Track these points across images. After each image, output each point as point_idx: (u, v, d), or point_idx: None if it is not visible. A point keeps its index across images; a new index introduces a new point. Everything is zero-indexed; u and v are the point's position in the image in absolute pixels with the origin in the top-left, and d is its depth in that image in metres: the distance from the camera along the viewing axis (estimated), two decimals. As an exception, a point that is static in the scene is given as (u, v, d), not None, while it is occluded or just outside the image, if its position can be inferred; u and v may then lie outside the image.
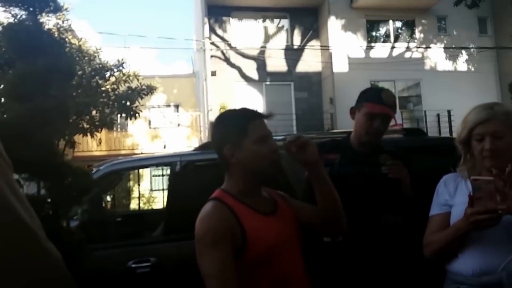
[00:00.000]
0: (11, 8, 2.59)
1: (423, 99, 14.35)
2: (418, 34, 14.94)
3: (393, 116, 2.07)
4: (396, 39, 15.04)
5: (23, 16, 2.56)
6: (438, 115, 13.11)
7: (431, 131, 12.32)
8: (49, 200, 2.18)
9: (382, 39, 15.13)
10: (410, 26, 15.16)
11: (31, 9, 2.45)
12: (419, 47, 14.66)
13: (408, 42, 14.90)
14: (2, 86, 6.44)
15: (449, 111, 12.39)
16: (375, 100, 2.04)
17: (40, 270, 0.62)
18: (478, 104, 1.67)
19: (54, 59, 2.29)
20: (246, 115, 1.42)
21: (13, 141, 2.04)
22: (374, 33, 15.15)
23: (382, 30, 15.28)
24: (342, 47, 13.77)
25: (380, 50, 14.45)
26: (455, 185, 1.67)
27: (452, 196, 1.65)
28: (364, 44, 14.40)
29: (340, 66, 13.77)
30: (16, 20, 2.63)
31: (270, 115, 1.48)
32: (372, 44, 14.60)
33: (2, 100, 6.99)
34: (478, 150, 1.58)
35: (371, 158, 2.04)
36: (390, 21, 15.03)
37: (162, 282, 2.78)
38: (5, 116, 2.23)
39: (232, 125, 1.42)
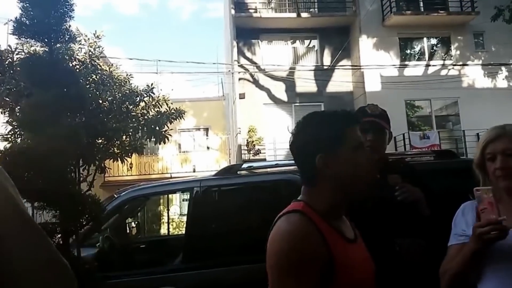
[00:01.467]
0: (27, 39, 2.60)
1: (461, 118, 13.78)
2: (454, 51, 14.50)
3: (382, 124, 2.01)
4: (431, 56, 14.66)
5: (38, 48, 2.56)
6: (478, 134, 12.49)
7: (471, 151, 11.72)
8: (58, 229, 2.08)
9: (416, 57, 14.80)
10: (445, 43, 14.75)
11: (46, 40, 2.44)
12: (455, 65, 14.19)
13: (444, 60, 14.47)
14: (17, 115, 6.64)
15: (488, 130, 11.78)
16: (364, 114, 2.00)
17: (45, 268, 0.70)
18: None
19: (66, 88, 2.24)
20: (342, 119, 1.21)
21: (25, 170, 1.98)
22: (407, 51, 14.86)
23: (416, 48, 14.96)
24: (375, 66, 13.50)
25: (415, 68, 14.09)
26: (473, 213, 1.51)
27: (470, 225, 1.49)
28: (398, 62, 14.10)
29: (372, 85, 13.48)
30: (31, 51, 2.63)
31: (359, 121, 1.27)
32: (406, 62, 14.30)
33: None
34: (492, 170, 1.52)
35: (380, 181, 1.86)
36: (424, 39, 14.69)
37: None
38: (18, 144, 2.19)
39: (327, 130, 1.18)
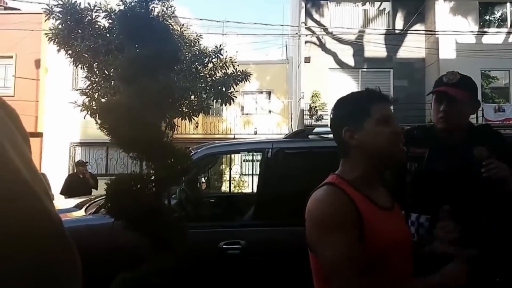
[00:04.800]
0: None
1: (543, 90, 12.65)
2: (540, 17, 13.13)
3: (457, 95, 1.86)
4: (514, 23, 13.39)
5: (133, 3, 2.70)
6: (561, 109, 11.47)
7: (553, 127, 10.81)
8: (152, 178, 2.29)
9: (496, 24, 13.61)
10: (531, 8, 13.38)
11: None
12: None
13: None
14: (113, 69, 7.03)
15: None
16: (439, 84, 1.96)
17: (38, 226, 0.58)
18: None
19: (161, 45, 2.37)
20: (369, 96, 1.34)
21: (121, 121, 2.18)
22: (487, 17, 13.68)
23: (497, 14, 13.73)
24: (451, 32, 12.61)
25: (494, 36, 13.00)
26: None
27: None
28: (476, 28, 13.07)
29: (447, 52, 12.66)
30: (127, 7, 2.78)
31: (395, 100, 1.41)
32: (485, 29, 13.21)
33: (113, 83, 7.68)
34: None
35: (463, 150, 1.81)
36: (508, 4, 13.39)
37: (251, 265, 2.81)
38: (115, 97, 2.38)
39: (354, 106, 1.33)
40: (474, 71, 12.80)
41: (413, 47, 13.23)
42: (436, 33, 12.78)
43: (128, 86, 2.23)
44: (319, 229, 1.19)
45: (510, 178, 1.73)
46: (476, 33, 13.05)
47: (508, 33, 13.10)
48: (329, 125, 1.41)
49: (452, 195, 1.68)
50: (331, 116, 1.40)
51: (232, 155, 8.38)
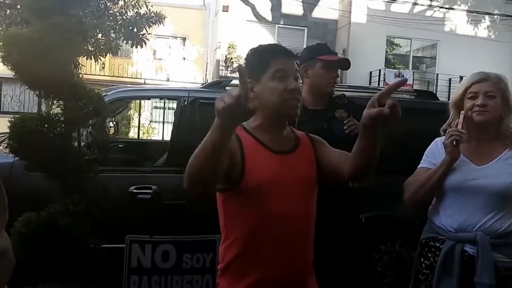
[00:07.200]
0: None
1: (437, 61, 14.05)
2: (442, -7, 14.33)
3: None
4: (420, -5, 14.44)
5: None
6: (450, 79, 12.91)
7: (441, 95, 12.13)
8: (62, 118, 2.17)
9: (404, -7, 14.52)
10: (435, -18, 14.49)
11: None
12: (442, 7, 14.10)
13: (431, 0, 14.31)
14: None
15: (461, 77, 12.15)
16: (329, 52, 2.23)
17: None
18: None
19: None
20: (270, 50, 1.41)
21: (30, 56, 1.99)
22: (397, -15, 14.50)
23: (406, -16, 14.60)
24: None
25: (402, 5, 13.90)
26: (443, 149, 1.77)
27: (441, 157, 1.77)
28: (386, -4, 13.84)
29: (358, 16, 13.30)
30: None
31: (297, 55, 1.47)
32: (395, -3, 14.05)
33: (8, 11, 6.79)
34: (469, 106, 1.74)
35: (328, 114, 2.14)
36: (415, -24, 14.34)
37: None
38: (25, 31, 2.15)
39: (255, 59, 1.41)
40: (380, 36, 13.73)
41: (328, 7, 13.64)
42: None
43: (38, 19, 2.03)
44: None
45: None
46: (387, 0, 13.83)
47: (414, 3, 14.07)
48: None
49: None
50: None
51: (142, 101, 8.10)
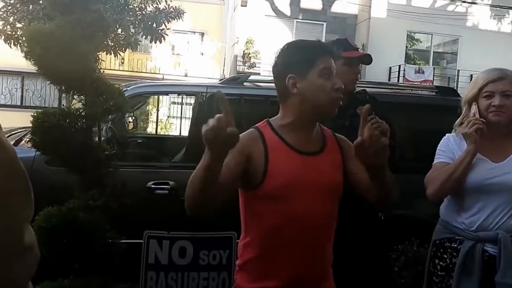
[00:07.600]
0: None
1: (458, 57, 13.76)
2: (465, -13, 13.99)
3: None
4: (441, -11, 14.13)
5: None
6: (471, 76, 12.60)
7: (461, 91, 11.89)
8: (83, 113, 2.20)
9: (426, -13, 14.24)
10: (457, -23, 14.16)
11: None
12: (464, 1, 13.77)
13: (453, -5, 14.01)
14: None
15: (483, 73, 11.89)
16: (349, 48, 2.15)
17: None
18: None
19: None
20: (316, 47, 1.40)
21: (53, 51, 2.02)
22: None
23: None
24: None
25: (423, 0, 13.63)
26: (457, 144, 1.77)
27: (458, 153, 1.74)
28: (407, -10, 13.59)
29: (378, 11, 13.10)
30: None
31: (338, 55, 1.49)
32: (415, -8, 13.78)
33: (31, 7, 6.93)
34: (485, 106, 1.69)
35: (349, 111, 2.00)
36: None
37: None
38: (47, 26, 2.19)
39: (301, 54, 1.38)
40: (401, 31, 13.51)
41: (347, 2, 13.48)
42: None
43: (60, 15, 2.06)
44: None
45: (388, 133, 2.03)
46: (407, -6, 13.60)
47: (435, -2, 13.82)
48: (272, 70, 1.44)
49: None
50: (276, 60, 1.43)
51: (160, 96, 8.18)
